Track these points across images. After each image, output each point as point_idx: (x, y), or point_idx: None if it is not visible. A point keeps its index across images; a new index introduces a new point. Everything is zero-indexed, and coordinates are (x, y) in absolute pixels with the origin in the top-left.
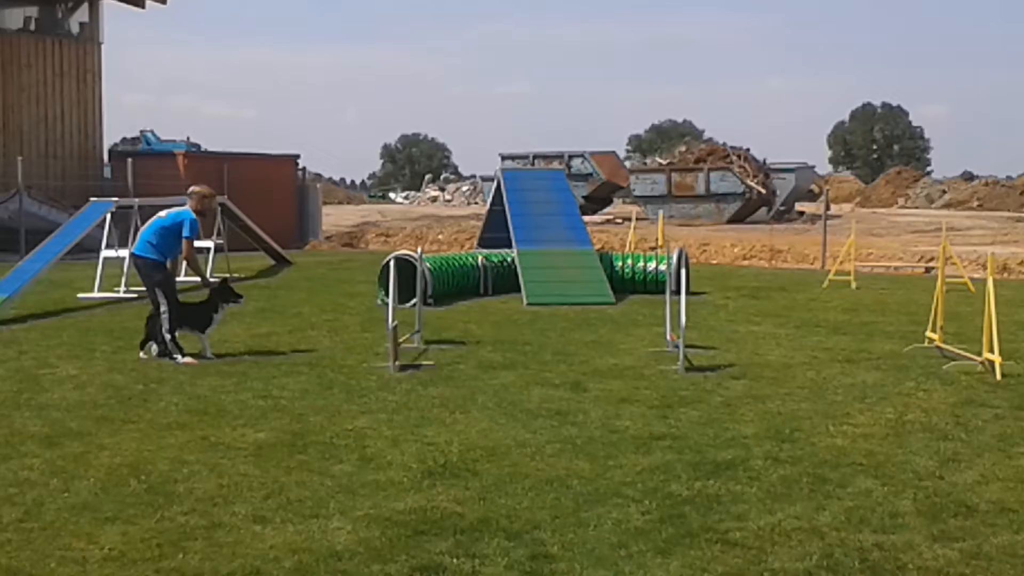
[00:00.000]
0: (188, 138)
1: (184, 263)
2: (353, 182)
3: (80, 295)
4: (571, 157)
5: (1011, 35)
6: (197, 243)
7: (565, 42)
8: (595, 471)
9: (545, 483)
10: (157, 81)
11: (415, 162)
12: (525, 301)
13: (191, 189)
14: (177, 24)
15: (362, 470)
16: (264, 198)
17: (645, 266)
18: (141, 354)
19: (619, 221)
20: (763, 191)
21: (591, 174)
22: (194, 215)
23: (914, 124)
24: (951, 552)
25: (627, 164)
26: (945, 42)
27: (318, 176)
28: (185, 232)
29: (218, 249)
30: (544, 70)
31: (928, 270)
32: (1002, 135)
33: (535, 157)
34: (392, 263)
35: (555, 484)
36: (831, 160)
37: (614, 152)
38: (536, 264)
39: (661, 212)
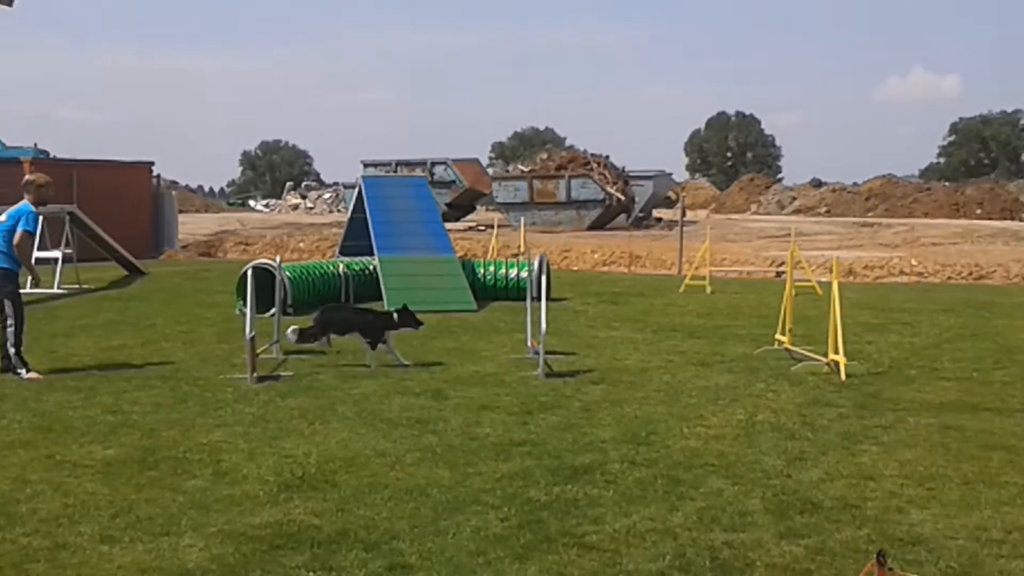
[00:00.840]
0: (35, 144)
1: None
2: (211, 189)
3: None
4: (434, 164)
5: (857, 46)
6: (45, 253)
7: (431, 49)
8: (455, 479)
9: (404, 492)
10: (3, 85)
11: (276, 169)
12: (387, 309)
13: (26, 179)
14: (25, 27)
15: (216, 485)
16: (117, 206)
17: (507, 273)
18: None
19: (482, 228)
20: (622, 198)
21: (454, 181)
22: (33, 208)
23: (766, 132)
24: (797, 549)
25: (490, 171)
26: (796, 53)
27: (174, 183)
28: (22, 225)
29: (67, 259)
30: (409, 77)
31: (779, 274)
32: (849, 143)
33: (398, 164)
34: (250, 272)
35: (414, 493)
36: (688, 167)
37: (477, 159)
38: (398, 272)
39: (523, 219)
